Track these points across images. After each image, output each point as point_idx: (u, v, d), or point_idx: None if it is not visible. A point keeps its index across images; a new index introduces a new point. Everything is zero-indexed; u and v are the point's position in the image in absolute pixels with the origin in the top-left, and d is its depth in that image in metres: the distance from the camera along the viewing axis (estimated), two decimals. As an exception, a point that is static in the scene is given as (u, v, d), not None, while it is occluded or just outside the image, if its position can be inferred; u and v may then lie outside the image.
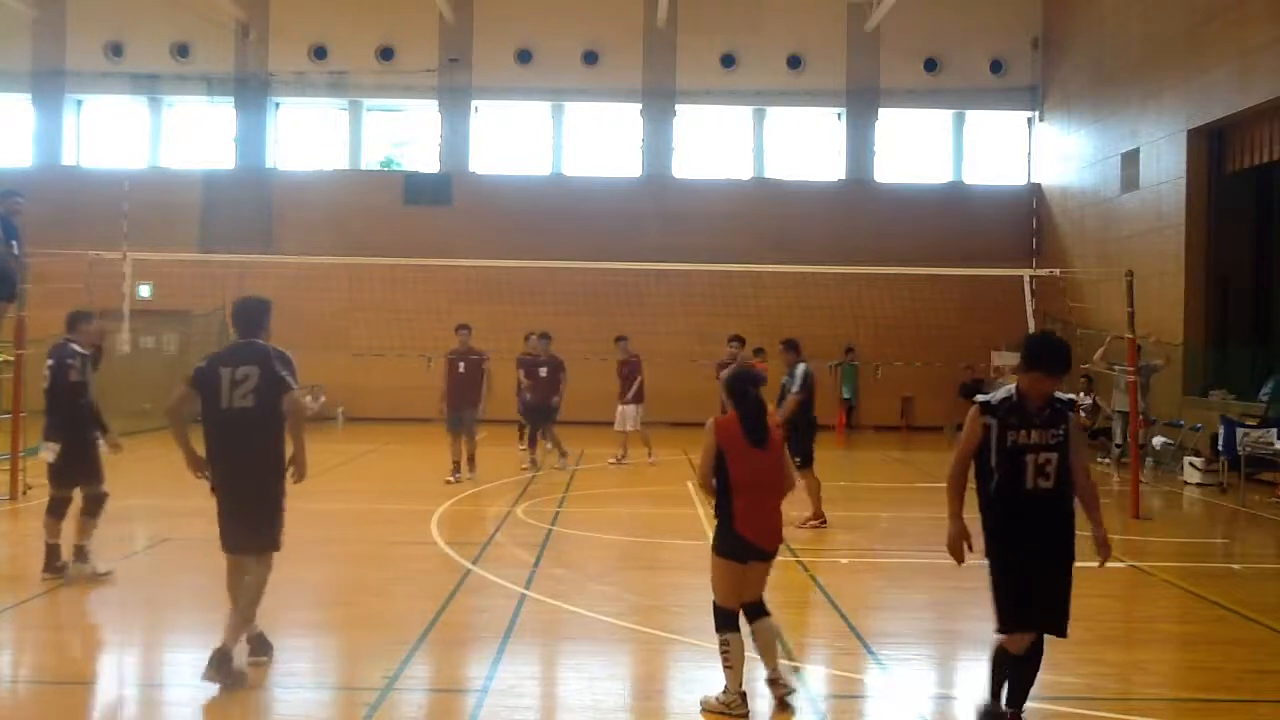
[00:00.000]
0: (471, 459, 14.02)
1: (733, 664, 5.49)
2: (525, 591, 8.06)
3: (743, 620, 5.62)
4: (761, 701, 5.85)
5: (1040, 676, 6.48)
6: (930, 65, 24.61)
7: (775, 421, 5.85)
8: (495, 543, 10.07)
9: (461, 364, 14.03)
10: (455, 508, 12.03)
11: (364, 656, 6.56)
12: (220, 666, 5.66)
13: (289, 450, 6.14)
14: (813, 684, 6.17)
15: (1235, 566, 9.62)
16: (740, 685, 5.49)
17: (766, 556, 5.65)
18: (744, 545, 5.54)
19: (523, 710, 5.64)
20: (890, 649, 6.80)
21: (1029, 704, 5.95)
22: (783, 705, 5.56)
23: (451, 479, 13.65)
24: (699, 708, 5.56)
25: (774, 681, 5.60)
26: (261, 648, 6.22)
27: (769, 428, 5.68)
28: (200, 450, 6.10)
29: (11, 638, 7.05)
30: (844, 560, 9.66)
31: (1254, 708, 5.93)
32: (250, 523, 6.10)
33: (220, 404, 5.97)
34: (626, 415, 16.11)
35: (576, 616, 7.52)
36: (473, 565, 8.93)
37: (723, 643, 5.52)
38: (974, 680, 6.67)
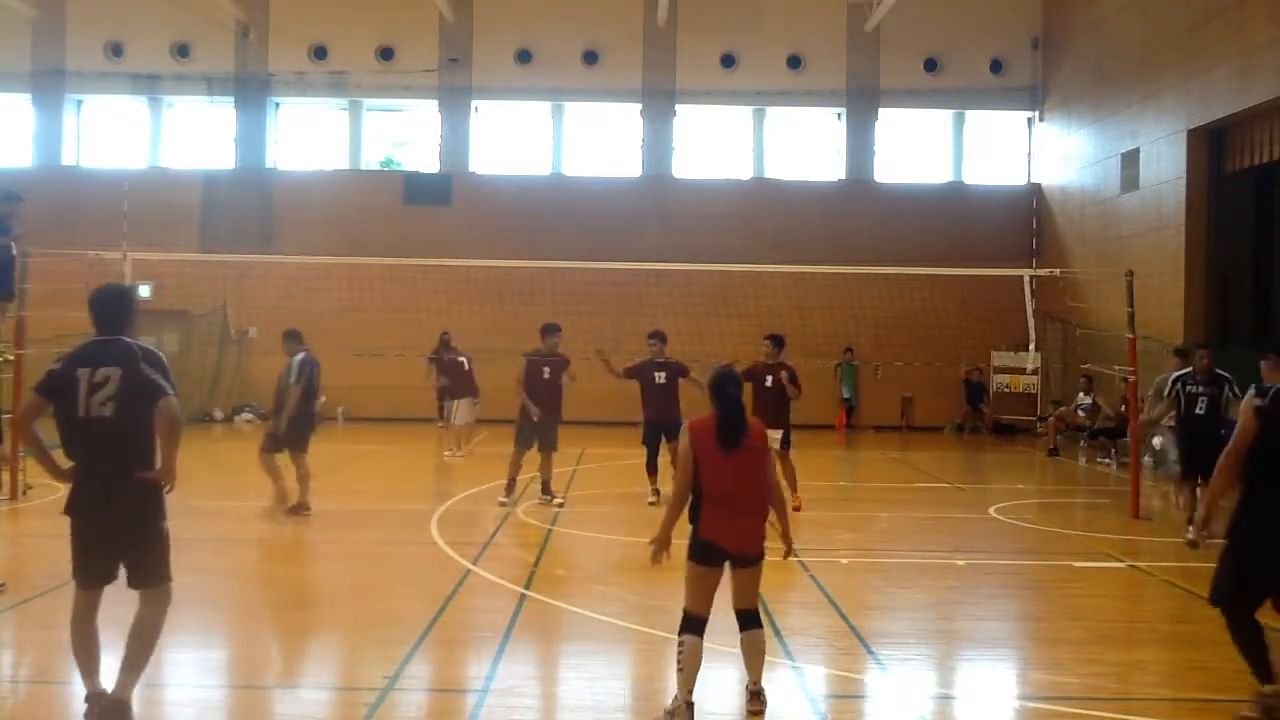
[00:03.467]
0: (546, 484, 12.26)
1: (684, 667, 5.38)
2: (525, 591, 8.07)
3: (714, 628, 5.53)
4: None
5: (1039, 676, 6.51)
6: (930, 65, 24.60)
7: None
8: (495, 543, 10.07)
9: (546, 369, 12.26)
10: (455, 508, 12.03)
11: (364, 656, 6.56)
12: (115, 716, 5.10)
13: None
14: (813, 684, 6.17)
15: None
16: (689, 694, 5.37)
17: (740, 561, 5.48)
18: (709, 548, 5.44)
19: (523, 710, 5.65)
20: (890, 649, 6.80)
21: (1027, 704, 5.97)
22: (756, 714, 5.51)
23: (504, 499, 12.08)
24: None
25: (756, 695, 5.54)
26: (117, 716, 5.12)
27: (746, 430, 5.51)
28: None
29: (12, 638, 7.06)
30: (844, 560, 9.66)
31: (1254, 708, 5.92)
32: (131, 550, 5.20)
33: (77, 411, 5.08)
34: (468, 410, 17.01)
35: (576, 616, 7.52)
36: (473, 565, 8.93)
37: (679, 643, 5.43)
38: (974, 680, 6.68)
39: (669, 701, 5.45)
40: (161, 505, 5.27)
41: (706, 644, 5.54)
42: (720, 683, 5.92)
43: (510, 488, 12.12)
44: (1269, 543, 5.55)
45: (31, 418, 5.29)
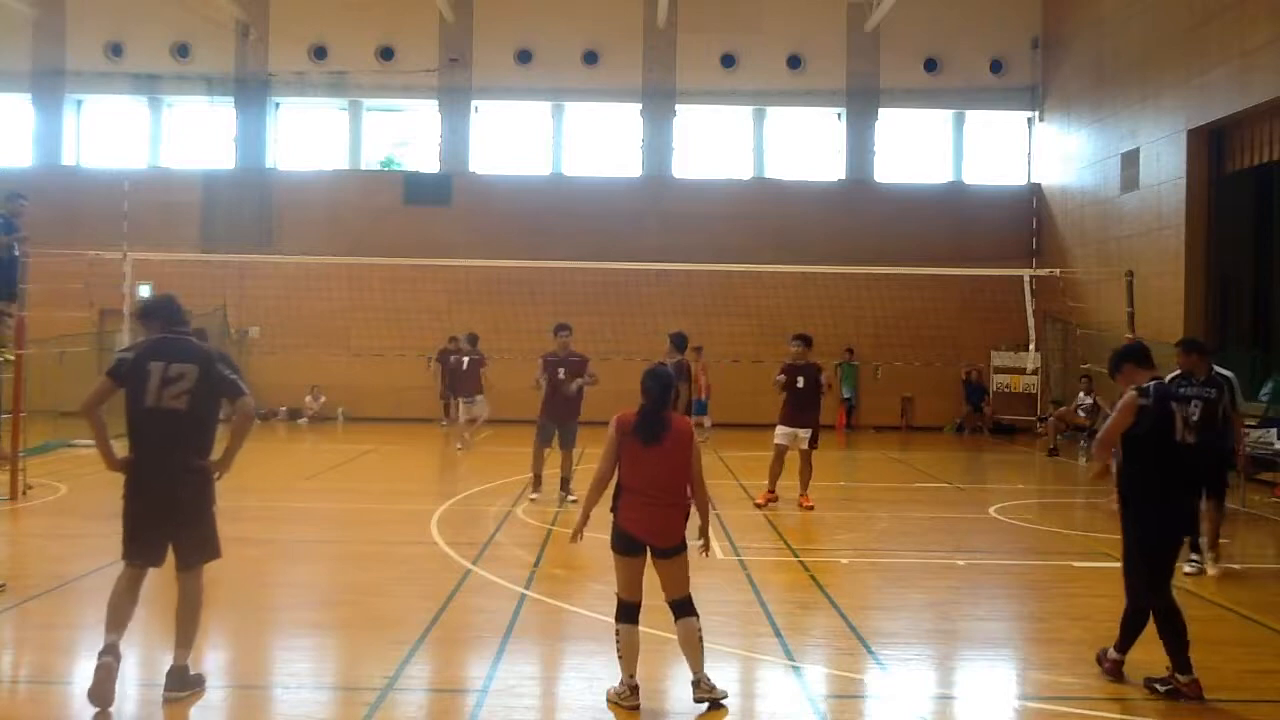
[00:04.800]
0: (566, 481, 12.28)
1: (622, 654, 5.64)
2: (525, 591, 8.07)
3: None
4: (763, 701, 5.86)
5: (1039, 676, 6.50)
6: (930, 65, 24.61)
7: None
8: (495, 543, 10.07)
9: (562, 369, 12.35)
10: (455, 508, 12.03)
11: (364, 656, 6.56)
12: (182, 681, 5.57)
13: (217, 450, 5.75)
14: (813, 684, 6.17)
15: (1235, 566, 9.62)
16: (632, 677, 5.60)
17: (657, 552, 5.62)
18: (625, 539, 5.64)
19: (523, 710, 5.65)
20: (890, 649, 6.80)
21: (1027, 704, 5.97)
22: (716, 706, 5.57)
23: (535, 495, 12.29)
24: (605, 698, 5.71)
25: (696, 684, 5.60)
26: (184, 682, 5.61)
27: (665, 426, 5.63)
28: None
29: (12, 638, 7.06)
30: (844, 560, 9.66)
31: (1254, 708, 5.93)
32: (186, 533, 5.60)
33: (145, 401, 5.42)
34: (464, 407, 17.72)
35: (576, 616, 7.52)
36: (473, 565, 8.93)
37: (615, 632, 5.68)
38: (974, 680, 6.68)
39: (616, 684, 5.66)
40: (213, 491, 5.73)
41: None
42: (719, 682, 5.91)
43: (536, 483, 12.34)
44: (1167, 533, 6.18)
45: (99, 401, 5.49)
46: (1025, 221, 24.41)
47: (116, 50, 24.44)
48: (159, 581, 5.72)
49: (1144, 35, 19.75)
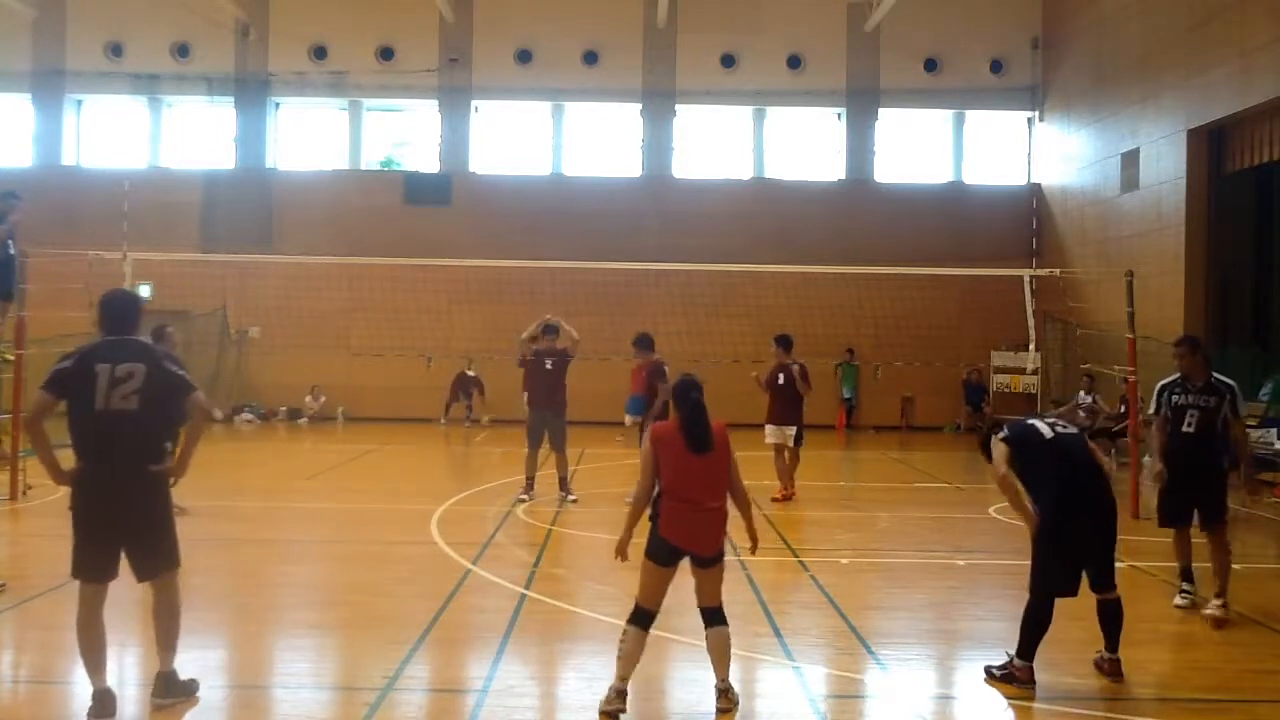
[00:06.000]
0: (563, 481, 12.45)
1: (622, 655, 5.51)
2: (525, 591, 8.07)
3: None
4: (763, 701, 5.86)
5: (1039, 677, 6.50)
6: (930, 65, 24.61)
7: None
8: (495, 543, 10.07)
9: (548, 361, 12.44)
10: (455, 508, 12.02)
11: (364, 656, 6.55)
12: (169, 687, 5.46)
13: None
14: (813, 684, 6.17)
15: (1235, 566, 9.60)
16: (623, 680, 5.50)
17: (700, 561, 5.55)
18: (666, 548, 5.53)
19: (523, 710, 5.65)
20: (890, 649, 6.80)
21: (1027, 704, 5.97)
22: (725, 711, 5.55)
23: (524, 496, 12.24)
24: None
25: (724, 693, 5.57)
26: (170, 688, 5.49)
27: (713, 434, 5.60)
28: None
29: (12, 638, 7.06)
30: (844, 560, 9.66)
31: (1253, 708, 5.93)
32: (142, 542, 5.36)
33: (95, 404, 5.19)
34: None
35: (576, 616, 7.52)
36: (473, 565, 8.93)
37: (623, 631, 5.58)
38: (974, 680, 6.68)
39: (610, 688, 5.57)
40: (169, 494, 5.47)
41: (698, 643, 5.53)
42: (709, 681, 5.91)
43: (529, 485, 12.37)
44: (1072, 534, 6.19)
45: (42, 416, 5.32)
46: (1025, 221, 24.41)
47: (116, 50, 24.44)
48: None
49: (1144, 35, 19.75)
